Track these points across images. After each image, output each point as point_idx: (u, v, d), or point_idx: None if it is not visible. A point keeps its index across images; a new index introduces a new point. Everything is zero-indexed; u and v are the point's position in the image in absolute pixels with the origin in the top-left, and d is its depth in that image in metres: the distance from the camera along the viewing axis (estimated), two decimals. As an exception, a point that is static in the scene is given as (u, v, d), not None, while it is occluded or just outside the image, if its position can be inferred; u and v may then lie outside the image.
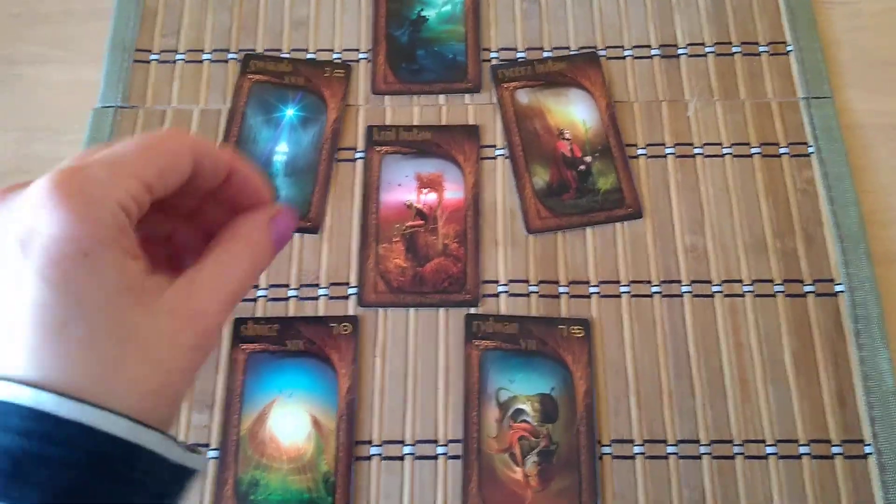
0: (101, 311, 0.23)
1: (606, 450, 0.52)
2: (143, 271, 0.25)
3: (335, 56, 0.65)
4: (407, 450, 0.53)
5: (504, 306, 0.56)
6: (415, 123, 0.62)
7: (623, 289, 0.57)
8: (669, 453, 0.52)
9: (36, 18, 0.68)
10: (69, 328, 0.23)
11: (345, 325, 0.55)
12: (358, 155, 0.61)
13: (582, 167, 0.60)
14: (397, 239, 0.58)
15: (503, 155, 0.61)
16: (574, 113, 0.62)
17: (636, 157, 0.61)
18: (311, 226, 0.58)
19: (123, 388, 0.23)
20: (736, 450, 0.52)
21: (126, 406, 0.23)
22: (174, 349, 0.25)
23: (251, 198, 0.30)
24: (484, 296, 0.56)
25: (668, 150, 0.61)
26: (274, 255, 0.30)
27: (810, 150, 0.60)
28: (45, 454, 0.22)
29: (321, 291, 0.57)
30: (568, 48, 0.65)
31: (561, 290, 0.57)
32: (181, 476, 0.25)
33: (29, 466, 0.21)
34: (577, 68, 0.63)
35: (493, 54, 0.65)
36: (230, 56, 0.65)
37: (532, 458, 0.52)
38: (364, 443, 0.53)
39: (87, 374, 0.23)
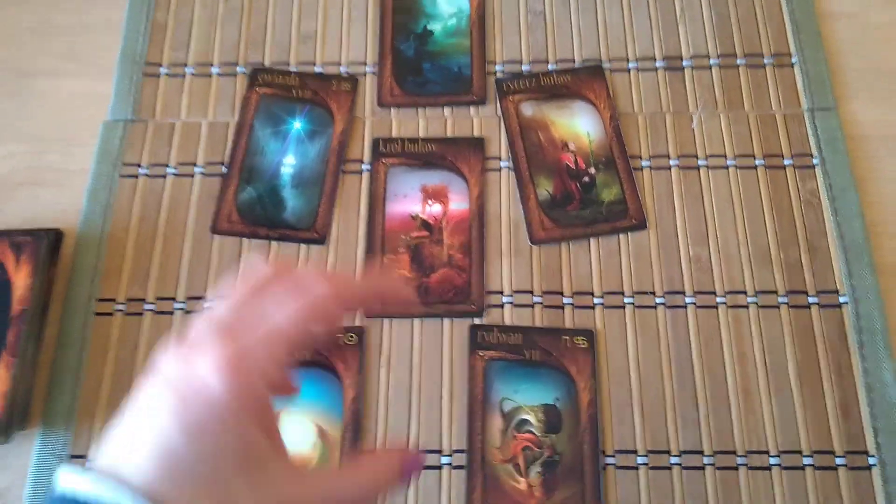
0: (206, 465, 0.27)
1: (610, 460, 0.53)
2: (268, 449, 0.28)
3: (342, 69, 0.66)
4: (411, 459, 0.53)
5: (508, 317, 0.57)
6: (420, 136, 0.63)
7: (627, 300, 0.57)
8: (673, 464, 0.52)
9: (50, 31, 0.69)
10: (181, 467, 0.26)
11: (350, 336, 0.56)
12: (364, 167, 0.62)
13: (586, 179, 0.60)
14: (403, 250, 0.59)
15: (508, 167, 0.61)
16: (578, 125, 0.62)
17: (640, 168, 0.61)
18: (317, 237, 0.59)
19: None
20: (739, 461, 0.52)
21: None
22: None
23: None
24: (488, 306, 0.57)
25: (672, 162, 0.61)
26: (398, 481, 0.33)
27: (815, 161, 0.61)
28: None
29: (327, 302, 0.57)
30: (573, 61, 0.65)
31: (565, 300, 0.57)
32: None
33: None
34: (581, 81, 0.64)
35: (498, 67, 0.65)
36: (238, 69, 0.66)
37: (536, 469, 0.52)
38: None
39: None
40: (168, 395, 0.27)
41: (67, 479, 0.26)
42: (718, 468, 0.52)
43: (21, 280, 0.55)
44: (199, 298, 0.58)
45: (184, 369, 0.28)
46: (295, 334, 0.29)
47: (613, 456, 0.53)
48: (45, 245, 0.57)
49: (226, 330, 0.29)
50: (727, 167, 0.61)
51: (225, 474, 0.27)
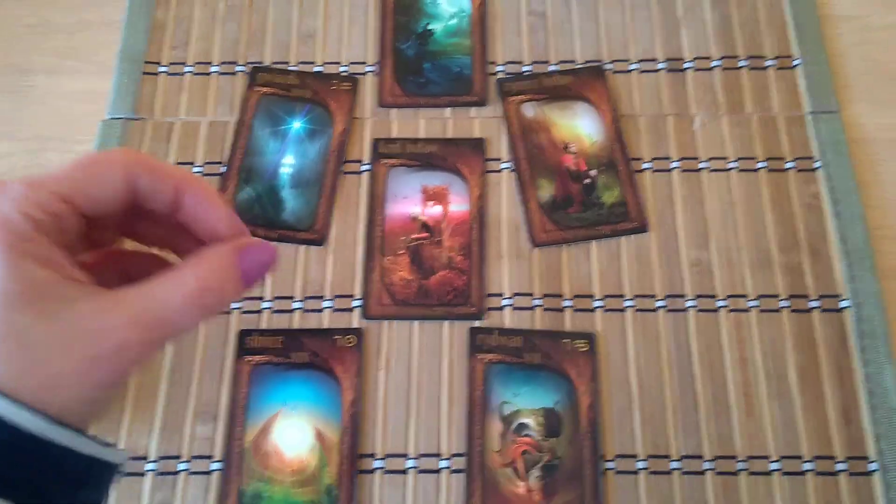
0: None
1: (610, 465, 0.52)
2: (54, 279, 0.26)
3: (342, 69, 0.65)
4: (410, 463, 0.53)
5: (508, 320, 0.56)
6: (421, 136, 0.62)
7: (627, 303, 0.57)
8: (673, 469, 0.52)
9: (49, 29, 0.69)
10: None
11: (349, 338, 0.55)
12: (364, 167, 0.61)
13: (587, 181, 0.60)
14: (402, 251, 0.58)
15: (508, 168, 0.61)
16: (579, 126, 0.62)
17: (641, 170, 0.61)
18: (316, 238, 0.59)
19: (14, 384, 0.25)
20: (740, 466, 0.52)
21: (36, 401, 0.25)
22: (66, 357, 0.26)
23: (209, 224, 0.31)
24: (488, 309, 0.57)
25: (673, 164, 0.61)
26: (240, 287, 0.30)
27: (816, 164, 0.60)
28: None
29: (326, 304, 0.57)
30: (574, 62, 0.65)
31: (565, 303, 0.57)
32: (97, 468, 0.27)
33: None
34: (582, 82, 0.63)
35: (499, 68, 0.65)
36: (238, 68, 0.65)
37: (535, 473, 0.52)
38: (367, 456, 0.53)
39: None
40: None
41: None
42: (719, 473, 0.52)
43: (18, 280, 0.55)
44: (197, 299, 0.57)
45: None
46: (59, 178, 0.28)
47: (613, 460, 0.52)
48: (43, 245, 0.56)
49: None
50: (728, 170, 0.61)
51: (8, 315, 0.25)
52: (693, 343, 0.55)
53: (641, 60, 0.65)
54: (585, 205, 0.59)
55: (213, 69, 0.65)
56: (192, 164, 0.62)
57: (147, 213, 0.31)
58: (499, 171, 0.61)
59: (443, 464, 0.53)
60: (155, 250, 0.34)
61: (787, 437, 0.53)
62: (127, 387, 0.55)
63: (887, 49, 0.65)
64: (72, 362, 0.26)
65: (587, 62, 0.65)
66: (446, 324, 0.56)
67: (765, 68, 0.64)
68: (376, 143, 0.62)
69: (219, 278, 0.29)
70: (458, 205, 0.60)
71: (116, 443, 0.53)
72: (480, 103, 0.63)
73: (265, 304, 0.57)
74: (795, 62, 0.64)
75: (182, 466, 0.53)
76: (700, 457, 0.52)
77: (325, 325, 0.56)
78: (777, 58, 0.64)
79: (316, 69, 0.65)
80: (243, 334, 0.56)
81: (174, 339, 0.29)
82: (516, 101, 0.63)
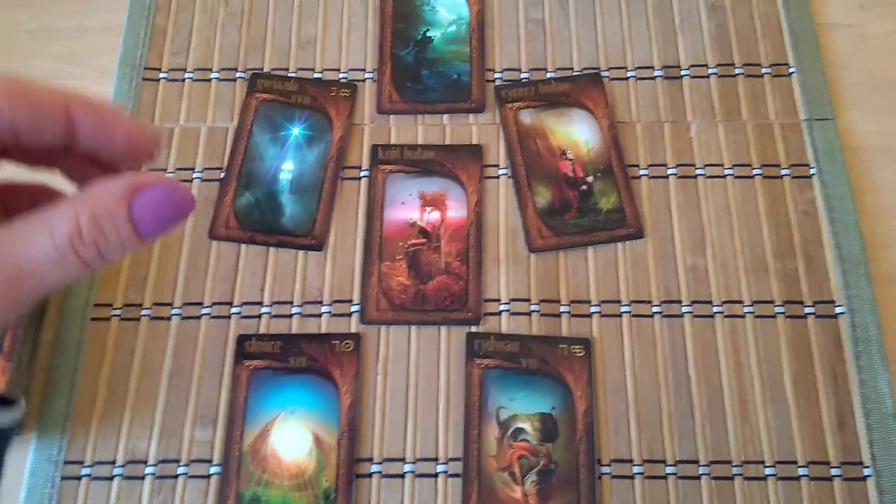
0: None
1: (606, 469, 0.53)
2: None
3: (341, 75, 0.66)
4: (407, 467, 0.53)
5: (505, 325, 0.57)
6: (419, 143, 0.63)
7: (624, 308, 0.57)
8: (668, 473, 0.52)
9: (50, 34, 0.69)
10: None
11: (347, 343, 0.56)
12: (363, 173, 0.62)
13: (584, 187, 0.61)
14: (400, 257, 0.59)
15: (506, 174, 0.62)
16: (576, 133, 0.62)
17: (638, 177, 0.61)
18: (315, 243, 0.59)
19: None
20: (735, 470, 0.52)
21: None
22: None
23: (112, 152, 0.25)
24: (485, 314, 0.57)
25: (669, 171, 0.61)
26: (131, 239, 0.24)
27: (812, 171, 0.61)
28: None
29: (324, 309, 0.57)
30: (571, 69, 0.65)
31: (562, 309, 0.57)
32: None
33: None
34: (579, 89, 0.64)
35: (497, 75, 0.65)
36: (238, 75, 0.66)
37: (531, 478, 0.52)
38: (365, 460, 0.53)
39: None
40: None
41: None
42: (714, 478, 0.52)
43: (18, 284, 0.55)
44: (196, 304, 0.58)
45: None
46: None
47: (609, 465, 0.53)
48: (43, 249, 0.57)
49: None
50: (724, 177, 0.61)
51: None
52: (689, 348, 0.56)
53: (638, 68, 0.65)
54: (582, 211, 0.60)
55: (212, 75, 0.66)
56: (191, 169, 0.62)
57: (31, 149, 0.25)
58: (496, 177, 0.62)
59: (440, 468, 0.53)
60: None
61: (782, 443, 0.53)
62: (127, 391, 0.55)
63: (882, 57, 0.66)
64: None
65: (584, 69, 0.65)
66: (443, 329, 0.57)
67: (761, 76, 0.65)
68: (375, 149, 0.62)
69: (99, 227, 0.23)
70: (456, 210, 0.60)
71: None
72: (478, 110, 0.64)
73: (264, 309, 0.57)
74: (791, 70, 0.65)
75: (181, 470, 0.53)
76: (696, 462, 0.53)
77: (324, 330, 0.57)
78: (773, 66, 0.65)
79: (315, 76, 0.66)
80: (242, 339, 0.56)
81: (46, 293, 0.24)
82: (514, 108, 0.63)
